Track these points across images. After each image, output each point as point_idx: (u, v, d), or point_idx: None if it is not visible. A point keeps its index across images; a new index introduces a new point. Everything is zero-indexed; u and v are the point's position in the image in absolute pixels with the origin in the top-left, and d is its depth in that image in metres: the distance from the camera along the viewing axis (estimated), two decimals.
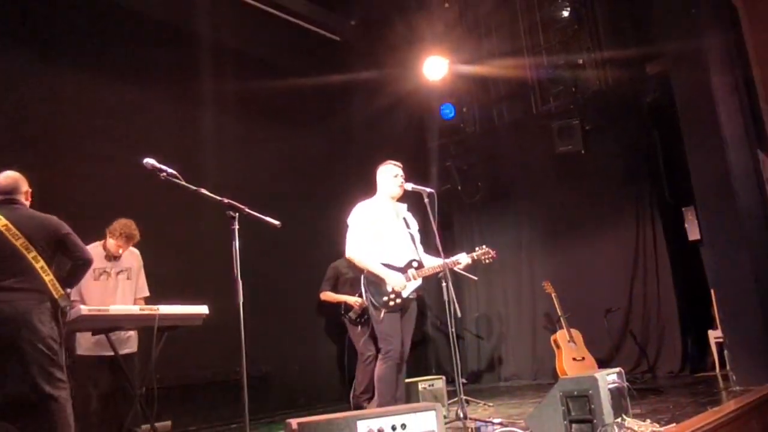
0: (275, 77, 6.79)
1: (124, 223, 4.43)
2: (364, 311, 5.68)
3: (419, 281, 4.21)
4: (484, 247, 4.45)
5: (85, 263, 3.60)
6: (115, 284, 4.51)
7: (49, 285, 3.36)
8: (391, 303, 4.08)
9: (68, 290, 3.49)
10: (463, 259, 4.35)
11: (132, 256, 4.62)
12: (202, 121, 6.29)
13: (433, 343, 8.41)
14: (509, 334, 8.01)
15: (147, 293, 4.67)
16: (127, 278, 4.57)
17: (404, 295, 4.12)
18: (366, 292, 4.16)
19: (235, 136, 6.54)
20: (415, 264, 4.24)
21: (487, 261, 4.43)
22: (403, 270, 4.20)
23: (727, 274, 5.15)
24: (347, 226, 4.31)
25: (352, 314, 5.85)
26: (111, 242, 4.44)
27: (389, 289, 4.10)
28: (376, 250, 4.19)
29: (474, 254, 4.40)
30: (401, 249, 4.27)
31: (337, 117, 7.63)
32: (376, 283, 4.13)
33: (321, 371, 6.81)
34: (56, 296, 3.38)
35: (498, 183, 8.23)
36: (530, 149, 7.90)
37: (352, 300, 5.88)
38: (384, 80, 7.78)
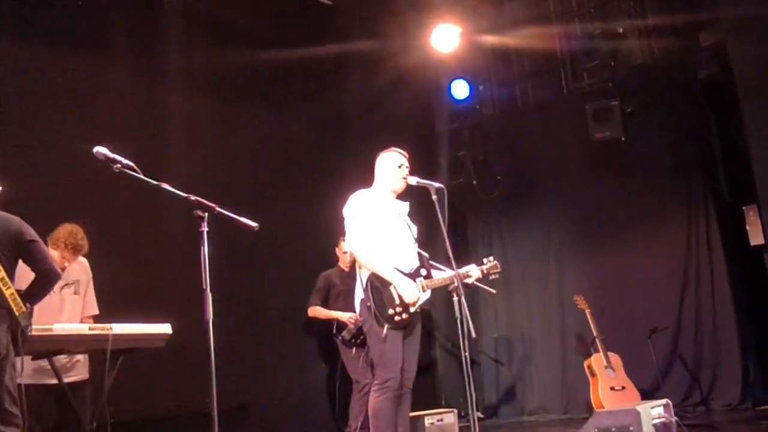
0: (255, 49, 6.76)
1: (70, 231, 4.37)
2: (360, 330, 5.65)
3: (428, 294, 4.19)
4: (491, 258, 4.45)
5: (54, 276, 3.62)
6: (60, 301, 4.48)
7: (10, 300, 3.35)
8: (397, 318, 4.04)
9: (30, 306, 3.47)
10: (474, 271, 4.35)
11: (80, 267, 4.58)
12: (167, 101, 6.25)
13: (443, 370, 8.39)
14: (534, 358, 7.99)
15: (96, 311, 4.65)
16: (74, 293, 4.55)
17: (412, 309, 4.10)
18: (369, 300, 4.09)
19: (206, 120, 6.52)
20: (423, 271, 4.22)
21: (493, 277, 4.44)
22: (410, 278, 4.16)
23: None
24: (343, 218, 4.29)
25: (345, 334, 5.83)
26: (54, 254, 4.40)
27: (396, 299, 4.06)
28: (378, 249, 4.14)
29: (483, 267, 4.40)
30: (407, 252, 4.25)
31: (329, 97, 7.60)
32: (381, 291, 4.08)
33: (309, 402, 6.78)
34: (17, 313, 3.35)
35: (521, 176, 8.21)
36: (560, 136, 7.89)
37: (346, 316, 5.86)
38: (385, 53, 7.75)
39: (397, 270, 4.13)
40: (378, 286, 4.09)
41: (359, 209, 4.23)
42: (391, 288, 4.08)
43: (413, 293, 4.06)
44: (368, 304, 4.08)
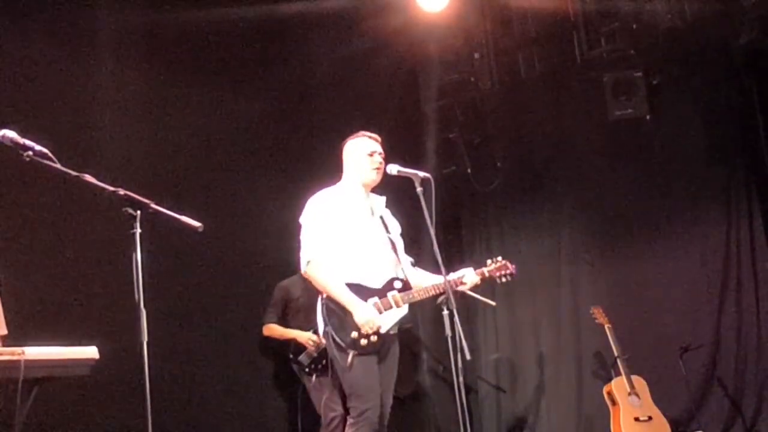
0: (201, 7, 6.72)
1: None
2: (322, 354, 5.67)
3: (404, 309, 4.23)
4: (500, 259, 4.47)
5: None
6: None
7: None
8: (363, 341, 4.10)
9: None
10: (469, 276, 4.36)
11: None
12: (92, 72, 6.18)
13: (431, 399, 8.40)
14: (544, 383, 8.03)
15: (3, 330, 4.62)
16: None
17: (383, 329, 4.14)
18: (326, 324, 4.16)
19: (139, 97, 6.44)
20: (398, 284, 4.26)
21: (503, 280, 4.45)
22: (381, 293, 4.21)
23: None
24: (300, 227, 4.31)
25: (303, 358, 5.86)
26: None
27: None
28: (342, 262, 4.20)
29: (485, 269, 4.42)
30: (379, 261, 4.30)
31: (291, 67, 7.59)
32: (339, 313, 4.13)
33: None
34: None
35: (525, 164, 8.26)
36: (572, 114, 7.93)
37: (305, 337, 5.87)
38: (359, 12, 7.75)
39: (362, 285, 4.17)
40: (334, 307, 4.15)
41: (318, 216, 4.27)
42: None
43: (370, 321, 4.09)
44: (326, 329, 4.14)
